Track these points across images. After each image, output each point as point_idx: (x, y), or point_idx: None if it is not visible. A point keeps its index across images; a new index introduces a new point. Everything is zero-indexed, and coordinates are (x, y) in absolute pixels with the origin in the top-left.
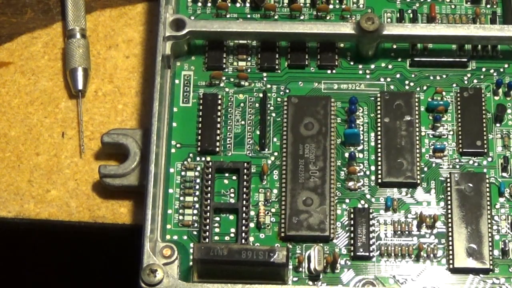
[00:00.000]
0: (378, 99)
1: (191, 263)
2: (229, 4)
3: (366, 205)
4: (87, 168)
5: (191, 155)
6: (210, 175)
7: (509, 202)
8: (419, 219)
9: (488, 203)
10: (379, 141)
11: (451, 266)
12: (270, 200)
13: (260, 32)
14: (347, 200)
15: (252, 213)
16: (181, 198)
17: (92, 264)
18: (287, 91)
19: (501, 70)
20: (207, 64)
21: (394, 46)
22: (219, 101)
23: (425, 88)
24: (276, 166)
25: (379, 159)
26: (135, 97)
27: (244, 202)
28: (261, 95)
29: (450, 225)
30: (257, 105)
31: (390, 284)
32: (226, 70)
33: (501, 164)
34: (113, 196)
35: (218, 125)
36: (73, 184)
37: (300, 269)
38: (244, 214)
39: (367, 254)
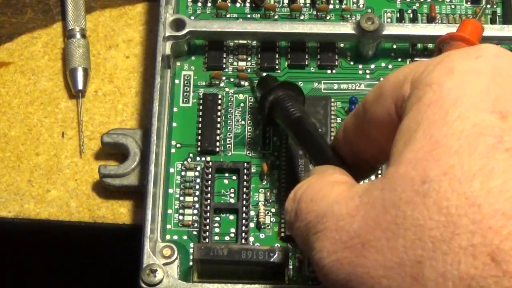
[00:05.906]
0: None
1: (191, 263)
2: (229, 4)
3: None
4: (87, 168)
5: (191, 155)
6: (210, 175)
7: None
8: None
9: None
10: None
11: None
12: (270, 200)
13: (260, 32)
14: None
15: (252, 213)
16: (181, 198)
17: (92, 264)
18: None
19: None
20: (207, 64)
21: (394, 46)
22: (219, 101)
23: None
24: (276, 166)
25: None
26: (135, 97)
27: (244, 202)
28: None
29: None
30: (257, 105)
31: None
32: (226, 70)
33: None
34: (113, 196)
35: (218, 125)
36: (73, 184)
37: (300, 269)
38: (244, 214)
39: None
